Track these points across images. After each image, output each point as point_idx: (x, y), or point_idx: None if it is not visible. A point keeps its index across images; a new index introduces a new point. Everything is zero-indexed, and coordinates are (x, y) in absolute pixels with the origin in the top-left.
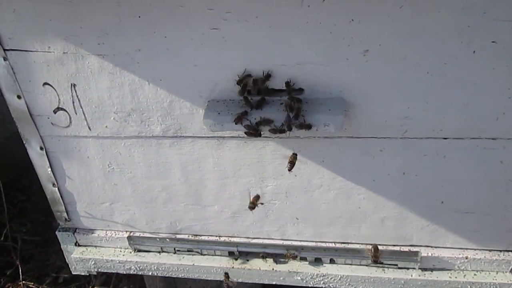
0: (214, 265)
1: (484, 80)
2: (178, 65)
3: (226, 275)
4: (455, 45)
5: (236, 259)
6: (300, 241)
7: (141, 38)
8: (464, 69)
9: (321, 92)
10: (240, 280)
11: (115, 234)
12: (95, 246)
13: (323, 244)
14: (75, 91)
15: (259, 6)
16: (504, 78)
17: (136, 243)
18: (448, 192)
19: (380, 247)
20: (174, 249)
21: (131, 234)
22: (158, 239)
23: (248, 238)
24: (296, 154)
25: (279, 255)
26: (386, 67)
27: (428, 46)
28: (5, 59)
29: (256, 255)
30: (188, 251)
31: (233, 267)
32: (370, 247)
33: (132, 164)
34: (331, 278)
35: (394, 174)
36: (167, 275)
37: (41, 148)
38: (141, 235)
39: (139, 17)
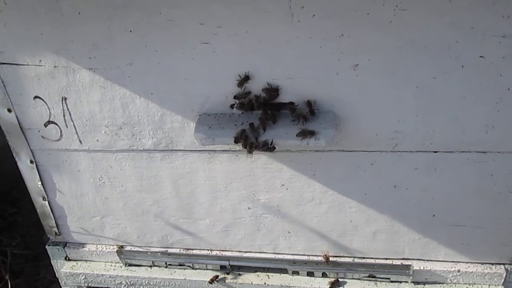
0: (206, 279)
1: (473, 94)
2: (169, 79)
3: None
4: (444, 60)
5: (228, 273)
6: (292, 254)
7: (132, 52)
8: (453, 84)
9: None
10: None
11: (106, 248)
12: (86, 261)
13: (315, 258)
14: (66, 105)
15: (250, 21)
16: (492, 92)
17: (127, 257)
18: (440, 205)
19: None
20: (166, 263)
21: (122, 248)
22: (149, 253)
23: (240, 251)
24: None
25: (272, 269)
26: (376, 81)
27: (417, 61)
28: None
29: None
30: (179, 265)
31: (225, 281)
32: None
33: (123, 177)
34: None
35: (385, 187)
36: None
37: (31, 162)
38: (132, 249)
39: (131, 31)
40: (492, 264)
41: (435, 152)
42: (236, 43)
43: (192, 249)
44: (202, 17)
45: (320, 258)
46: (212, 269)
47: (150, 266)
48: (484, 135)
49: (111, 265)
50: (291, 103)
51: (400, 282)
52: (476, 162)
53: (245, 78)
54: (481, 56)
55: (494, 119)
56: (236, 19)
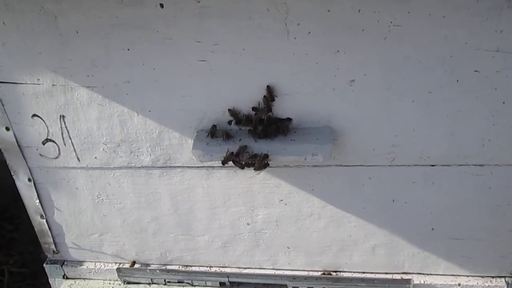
0: None
1: (469, 108)
2: (166, 96)
3: None
4: (439, 74)
5: None
6: (292, 270)
7: (130, 70)
8: (448, 98)
9: (309, 121)
10: None
11: (104, 266)
12: (84, 279)
13: (315, 273)
14: (64, 123)
15: (246, 38)
16: (487, 106)
17: (126, 275)
18: (438, 219)
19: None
20: (165, 280)
21: (121, 265)
22: (148, 271)
23: (239, 268)
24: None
25: (271, 285)
26: (372, 96)
27: (412, 75)
28: None
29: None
30: (178, 282)
31: None
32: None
33: (122, 194)
34: None
35: (383, 201)
36: None
37: (29, 180)
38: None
39: (128, 49)
40: (493, 277)
41: (433, 165)
42: (232, 60)
43: (191, 266)
44: (198, 35)
45: (319, 274)
46: (212, 286)
47: (149, 284)
48: (480, 148)
49: (109, 283)
50: (289, 119)
51: None
52: (473, 175)
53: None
54: (475, 70)
55: (490, 132)
56: (232, 37)
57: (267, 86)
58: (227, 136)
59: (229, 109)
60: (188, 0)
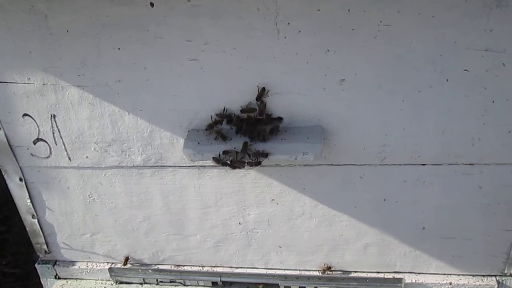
0: None
1: (459, 107)
2: (157, 95)
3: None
4: (429, 74)
5: None
6: (284, 269)
7: (120, 69)
8: (438, 97)
9: (299, 120)
10: None
11: (96, 266)
12: (76, 279)
13: (307, 273)
14: (55, 122)
15: (237, 37)
16: (477, 105)
17: (118, 275)
18: (429, 218)
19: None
20: (157, 280)
21: (113, 265)
22: (140, 270)
23: (231, 267)
24: None
25: (263, 284)
26: (363, 96)
27: (402, 75)
28: None
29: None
30: (170, 282)
31: None
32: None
33: (113, 194)
34: None
35: (375, 200)
36: None
37: (20, 179)
38: (123, 266)
39: (119, 48)
40: (484, 276)
41: (423, 165)
42: (223, 60)
43: (183, 266)
44: (189, 34)
45: (311, 273)
46: (204, 286)
47: (141, 284)
48: (470, 147)
49: (101, 283)
50: (280, 118)
51: None
52: (464, 175)
53: (215, 122)
54: (465, 70)
55: (480, 132)
56: (222, 36)
57: (258, 87)
58: (220, 135)
59: (216, 114)
60: None
